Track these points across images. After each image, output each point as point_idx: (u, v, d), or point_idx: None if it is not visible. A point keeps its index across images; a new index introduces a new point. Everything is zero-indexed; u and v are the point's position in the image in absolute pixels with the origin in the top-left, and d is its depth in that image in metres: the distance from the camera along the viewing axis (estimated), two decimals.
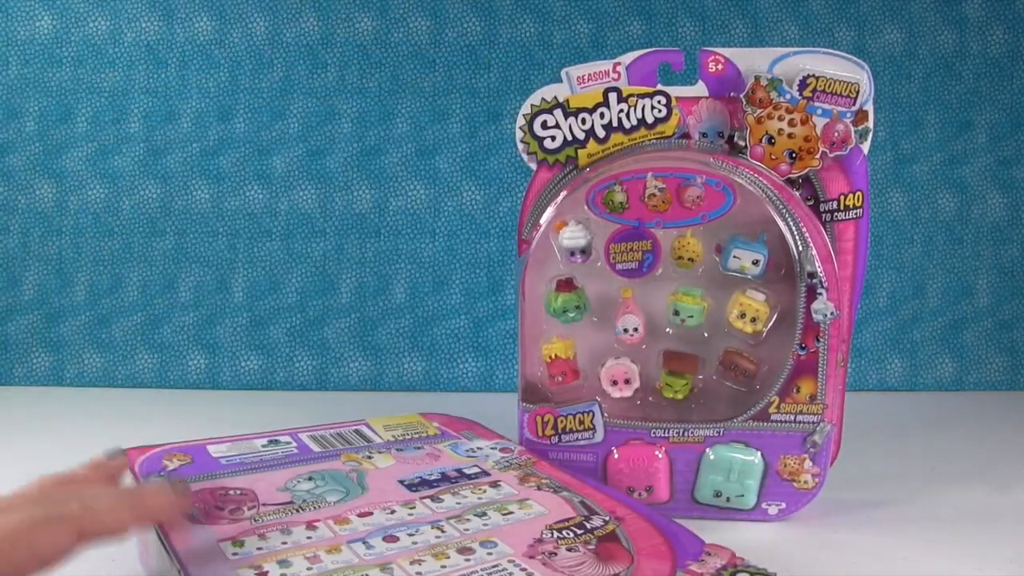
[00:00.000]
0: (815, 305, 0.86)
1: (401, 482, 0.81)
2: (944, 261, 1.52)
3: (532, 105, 0.91)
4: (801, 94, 0.87)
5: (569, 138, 0.91)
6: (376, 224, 1.50)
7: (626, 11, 1.52)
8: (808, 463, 0.88)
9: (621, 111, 0.89)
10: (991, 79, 1.52)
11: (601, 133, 0.90)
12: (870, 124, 0.88)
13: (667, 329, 0.92)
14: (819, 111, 0.87)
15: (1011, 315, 1.53)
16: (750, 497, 0.89)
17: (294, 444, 0.90)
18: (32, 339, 1.50)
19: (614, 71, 0.90)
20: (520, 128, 0.92)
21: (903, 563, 0.81)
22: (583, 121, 0.90)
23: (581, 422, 0.91)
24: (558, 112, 0.90)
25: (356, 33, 1.49)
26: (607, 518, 0.74)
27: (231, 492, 0.77)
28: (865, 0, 1.51)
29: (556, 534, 0.71)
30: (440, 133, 1.49)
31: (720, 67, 0.89)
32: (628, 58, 0.90)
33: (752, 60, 0.89)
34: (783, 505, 0.89)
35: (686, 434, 0.89)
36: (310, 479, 0.81)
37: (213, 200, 1.49)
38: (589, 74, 0.90)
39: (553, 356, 0.92)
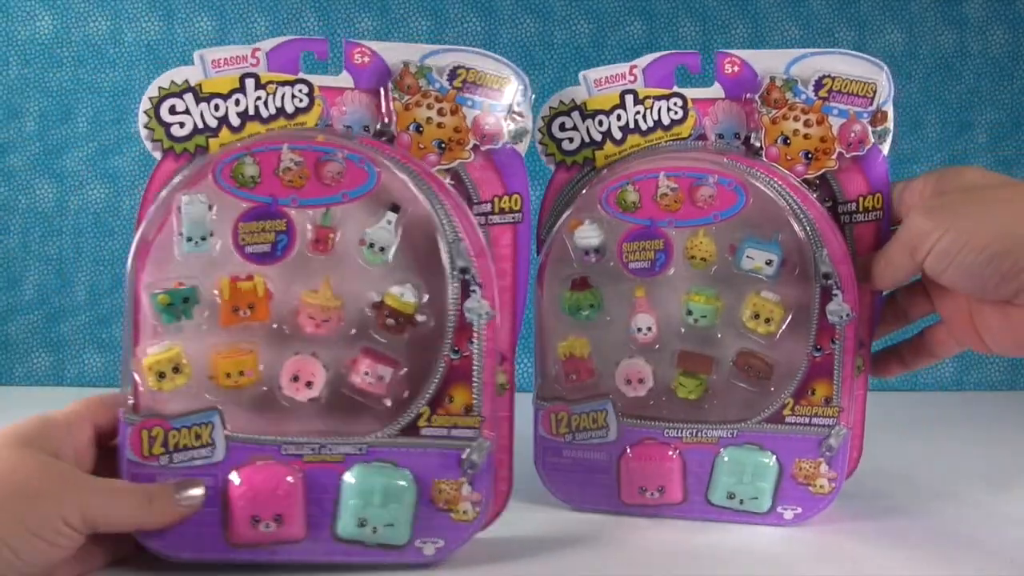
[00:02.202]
0: (830, 307, 0.86)
1: None
2: None
3: (551, 107, 0.91)
4: (817, 94, 0.87)
5: (587, 140, 0.90)
6: None
7: (627, 11, 1.53)
8: (824, 467, 0.88)
9: (637, 113, 0.89)
10: (991, 79, 1.54)
11: (618, 135, 0.90)
12: (889, 125, 0.89)
13: (680, 329, 0.91)
14: (835, 111, 0.88)
15: None
16: (764, 500, 0.88)
17: None
18: (32, 339, 1.49)
19: (631, 74, 0.89)
20: (539, 130, 0.91)
21: (902, 563, 0.81)
22: (600, 123, 0.90)
23: (595, 420, 0.90)
24: (575, 115, 0.90)
25: (357, 33, 1.49)
26: None
27: None
28: (865, 0, 1.52)
29: None
30: None
31: (736, 69, 0.89)
32: (644, 61, 0.89)
33: (768, 62, 0.88)
34: (799, 509, 0.88)
35: (699, 435, 0.89)
36: None
37: None
38: (606, 77, 0.90)
39: (568, 354, 0.91)
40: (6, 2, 1.48)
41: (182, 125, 0.81)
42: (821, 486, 0.88)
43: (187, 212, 0.78)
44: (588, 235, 0.89)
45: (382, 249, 0.80)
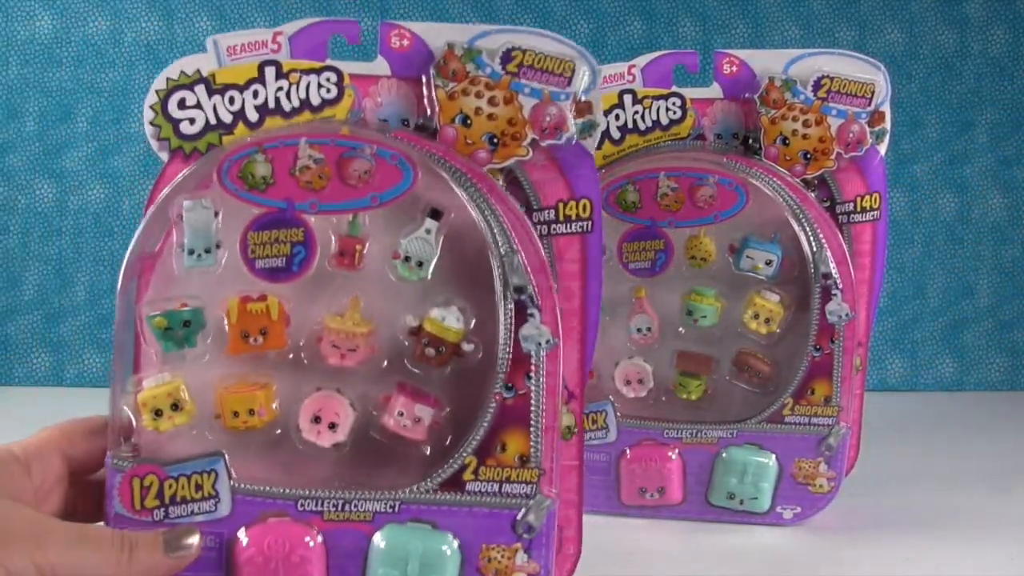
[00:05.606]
0: (829, 306, 0.86)
1: None
2: (944, 261, 1.52)
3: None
4: (816, 95, 0.87)
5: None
6: None
7: (626, 11, 1.52)
8: (823, 466, 0.88)
9: (636, 113, 0.89)
10: (992, 79, 1.53)
11: (616, 135, 0.90)
12: (887, 125, 0.89)
13: (680, 329, 0.91)
14: (834, 112, 0.88)
15: (1011, 315, 1.53)
16: (764, 500, 0.89)
17: None
18: (32, 339, 1.49)
19: (629, 73, 0.89)
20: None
21: (903, 563, 0.81)
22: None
23: (594, 421, 0.90)
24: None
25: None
26: None
27: None
28: (865, 0, 1.51)
29: None
30: None
31: (735, 69, 0.89)
32: (643, 60, 0.90)
33: (767, 61, 0.89)
34: (798, 509, 0.89)
35: (699, 435, 0.89)
36: None
37: None
38: (604, 76, 0.89)
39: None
40: (6, 2, 1.48)
41: (192, 121, 0.68)
42: (820, 485, 0.88)
43: (189, 220, 0.66)
44: None
45: (420, 264, 0.67)
